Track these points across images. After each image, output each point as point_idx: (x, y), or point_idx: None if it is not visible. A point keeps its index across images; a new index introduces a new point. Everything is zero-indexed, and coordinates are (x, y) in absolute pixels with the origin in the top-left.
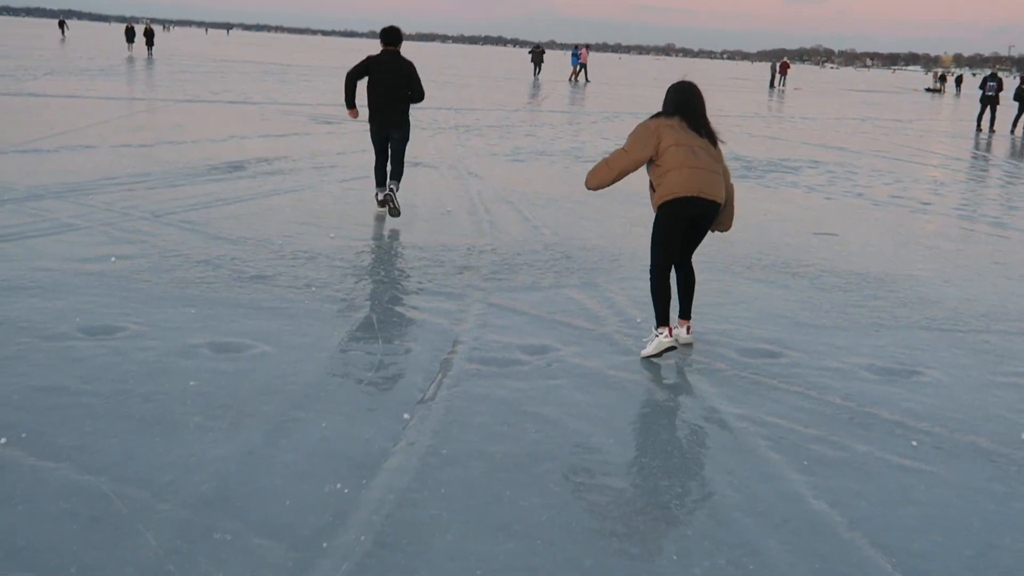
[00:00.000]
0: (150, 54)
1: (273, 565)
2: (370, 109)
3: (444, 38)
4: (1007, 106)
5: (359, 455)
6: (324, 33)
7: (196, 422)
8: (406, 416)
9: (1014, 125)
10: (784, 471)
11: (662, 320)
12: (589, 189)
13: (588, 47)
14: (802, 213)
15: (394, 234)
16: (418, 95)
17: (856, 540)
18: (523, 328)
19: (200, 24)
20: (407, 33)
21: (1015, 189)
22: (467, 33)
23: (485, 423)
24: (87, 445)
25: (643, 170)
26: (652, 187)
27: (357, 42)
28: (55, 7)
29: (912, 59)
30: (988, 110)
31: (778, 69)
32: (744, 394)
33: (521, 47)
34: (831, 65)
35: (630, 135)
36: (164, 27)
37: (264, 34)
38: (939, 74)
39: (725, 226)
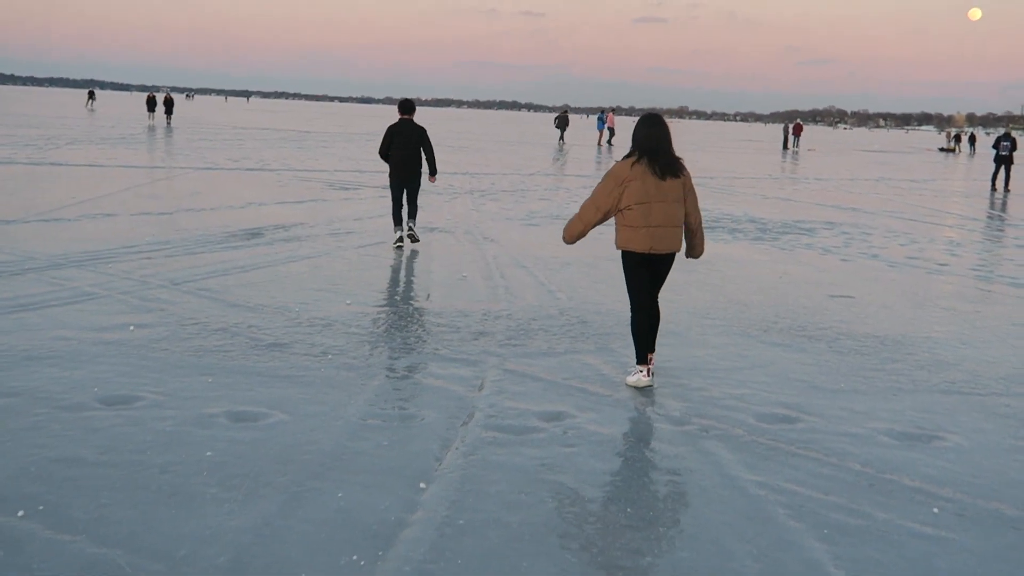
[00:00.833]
0: (169, 122)
1: None
2: (391, 166)
3: (459, 103)
4: (1021, 165)
5: (375, 525)
6: (341, 100)
7: (212, 493)
8: (422, 485)
9: None
10: (804, 539)
11: (641, 359)
12: (567, 243)
13: (614, 111)
14: (818, 275)
15: (410, 300)
16: (430, 154)
17: None
18: (539, 394)
19: (220, 92)
20: (423, 99)
21: None
22: (481, 99)
23: (502, 492)
24: (104, 517)
25: None
26: (616, 225)
27: (374, 108)
28: (78, 76)
29: (925, 119)
30: (1002, 169)
31: (791, 131)
32: (762, 460)
33: (535, 111)
34: (844, 125)
35: (600, 182)
36: (187, 96)
37: (283, 101)
38: (954, 134)
39: (696, 253)
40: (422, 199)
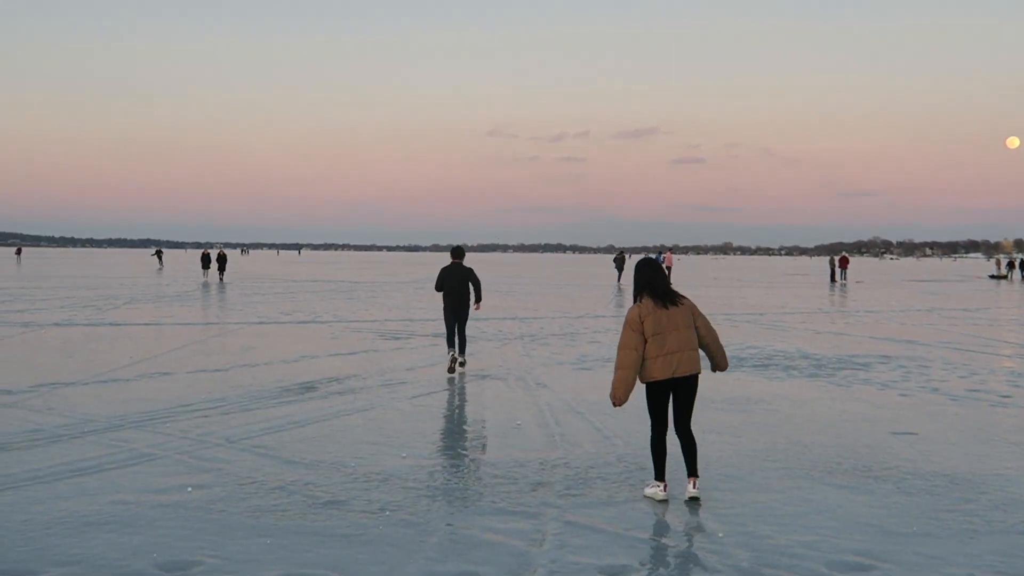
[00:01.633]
0: (222, 279)
1: None
2: (445, 302)
3: (504, 248)
4: None
5: None
6: (389, 248)
7: None
8: None
9: None
10: None
11: (658, 475)
12: (617, 404)
13: (672, 250)
14: (877, 411)
15: (466, 450)
16: (476, 285)
17: None
18: (601, 547)
19: (272, 246)
20: (470, 245)
21: None
22: (527, 242)
23: None
24: None
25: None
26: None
27: (421, 255)
28: (134, 236)
29: (972, 246)
30: None
31: (838, 263)
32: None
33: (579, 252)
34: (890, 256)
35: (624, 331)
36: (242, 251)
37: (332, 252)
38: (1006, 261)
39: (721, 365)
40: (474, 346)
